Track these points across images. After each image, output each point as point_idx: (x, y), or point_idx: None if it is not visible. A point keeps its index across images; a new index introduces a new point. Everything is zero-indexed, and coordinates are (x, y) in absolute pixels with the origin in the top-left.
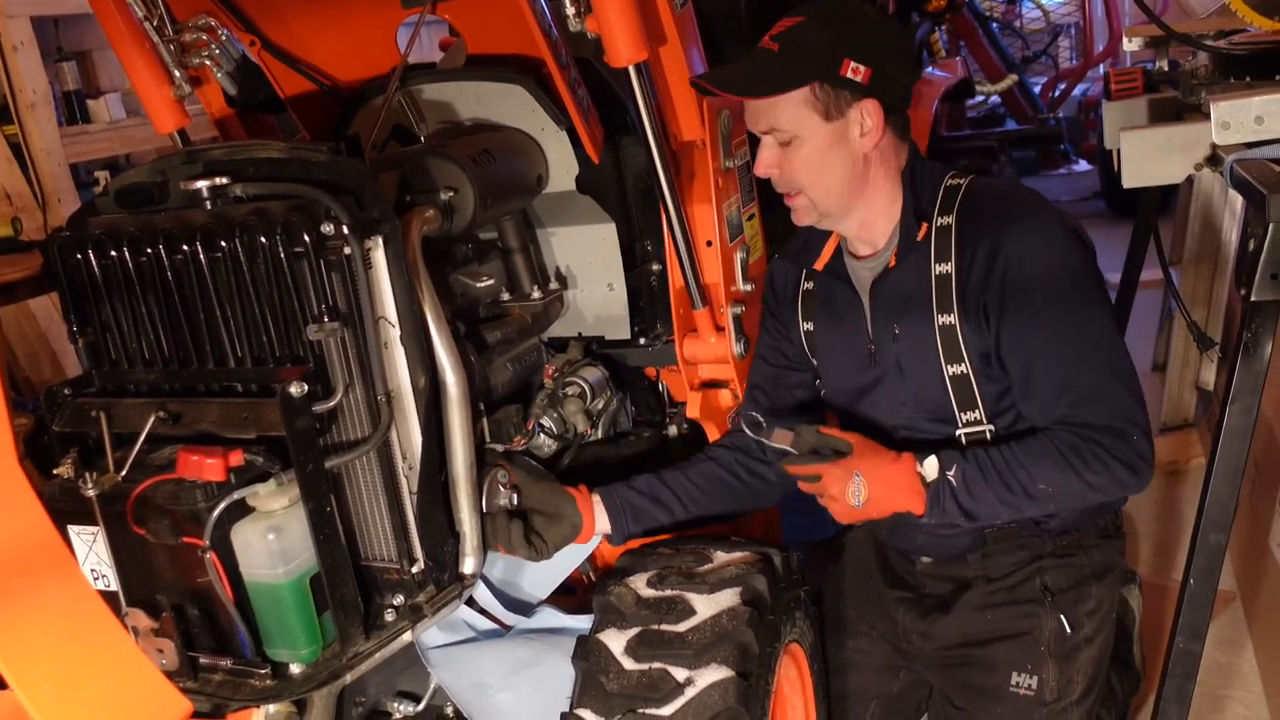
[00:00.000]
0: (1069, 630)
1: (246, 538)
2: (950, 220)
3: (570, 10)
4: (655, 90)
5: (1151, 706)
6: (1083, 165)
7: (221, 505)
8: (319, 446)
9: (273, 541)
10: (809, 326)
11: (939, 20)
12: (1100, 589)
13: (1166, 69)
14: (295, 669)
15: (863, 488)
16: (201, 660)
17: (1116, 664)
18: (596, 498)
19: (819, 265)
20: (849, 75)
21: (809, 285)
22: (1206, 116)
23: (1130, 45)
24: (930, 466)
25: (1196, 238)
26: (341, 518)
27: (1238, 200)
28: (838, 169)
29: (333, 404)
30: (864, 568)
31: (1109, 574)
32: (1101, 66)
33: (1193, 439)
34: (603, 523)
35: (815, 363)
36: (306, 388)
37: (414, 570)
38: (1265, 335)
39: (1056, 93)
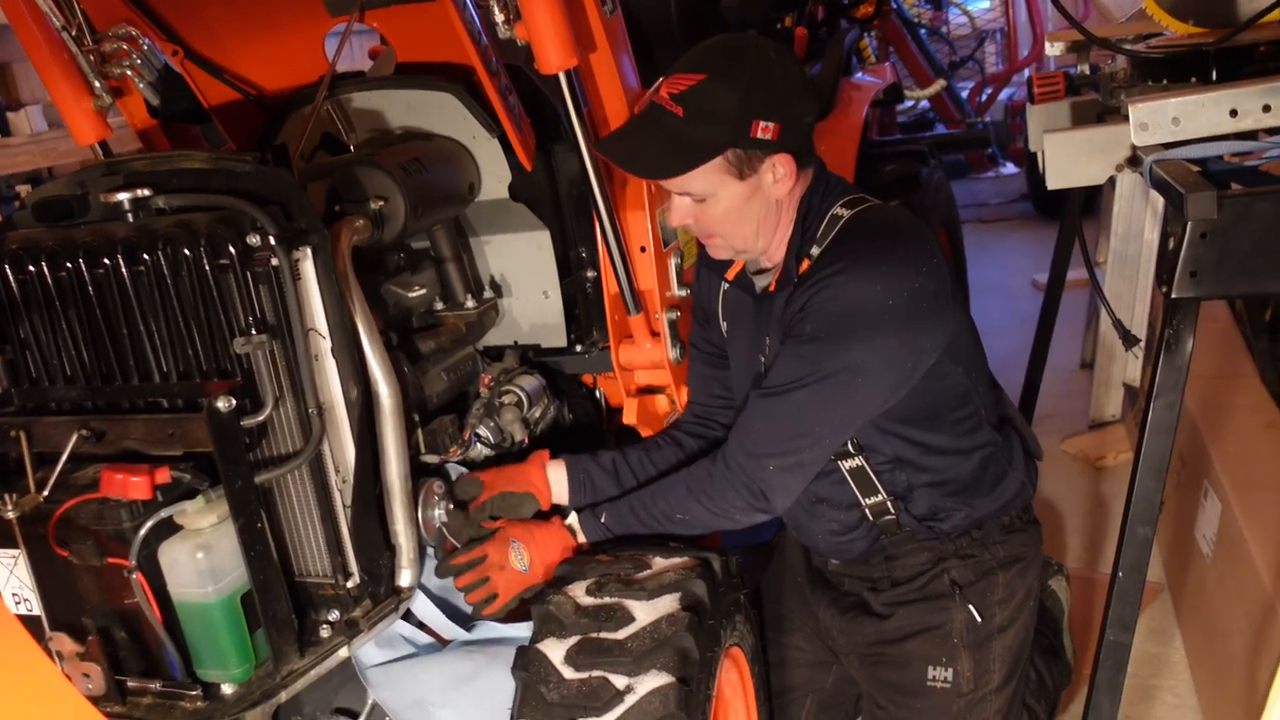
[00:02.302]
0: (979, 619)
1: (174, 557)
2: (818, 253)
3: (499, 17)
4: (586, 97)
5: (1083, 697)
6: (1010, 168)
7: (148, 524)
8: (248, 462)
9: (201, 560)
10: (726, 327)
11: (868, 26)
12: (1008, 577)
13: (1088, 73)
14: (227, 689)
15: (523, 551)
16: (129, 684)
17: (1047, 655)
18: (560, 466)
19: (730, 275)
20: (760, 135)
21: (726, 289)
22: (1126, 119)
23: (1053, 50)
24: (573, 522)
25: (1119, 238)
26: (273, 533)
27: (1158, 200)
28: (753, 218)
29: (262, 418)
30: (793, 567)
31: (1017, 564)
32: (1026, 71)
33: (1120, 434)
34: (560, 490)
35: (730, 358)
36: (234, 402)
37: (349, 585)
38: (1186, 332)
39: (984, 97)
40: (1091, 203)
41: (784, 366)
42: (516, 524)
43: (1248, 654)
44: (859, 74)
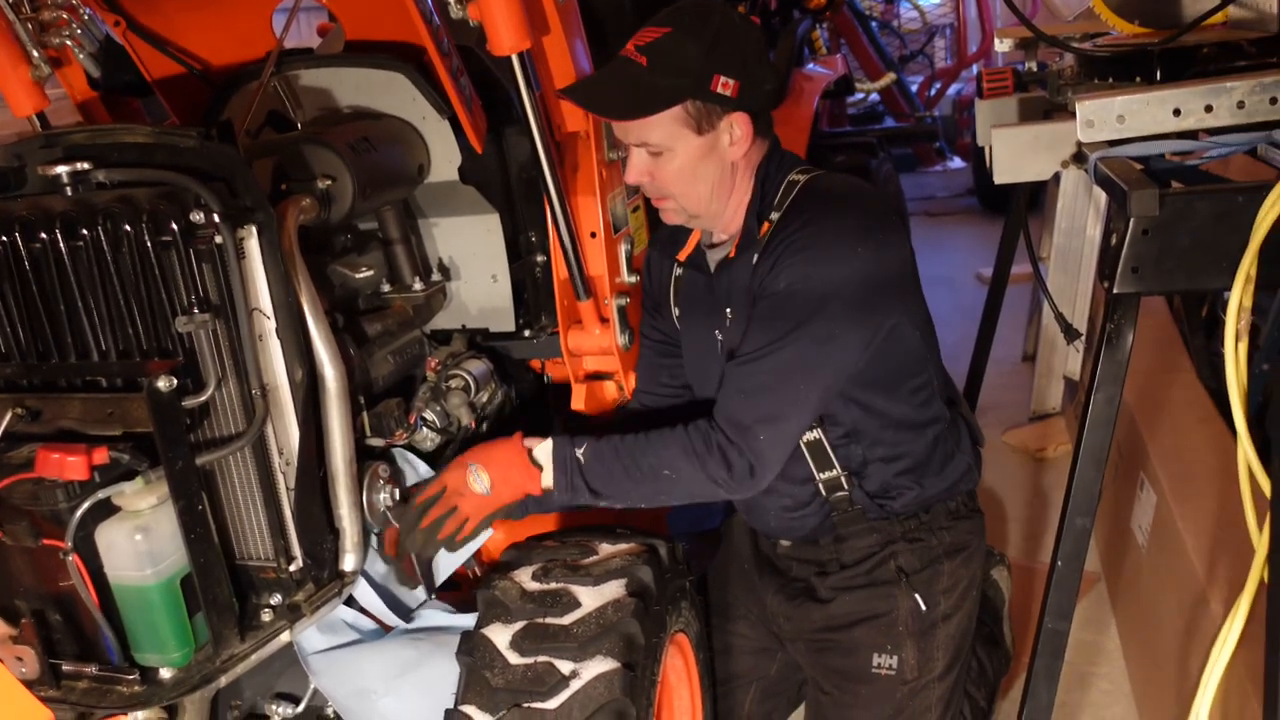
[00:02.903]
0: (924, 608)
1: (112, 539)
2: (777, 217)
3: None
4: (539, 80)
5: (1022, 685)
6: (957, 162)
7: (84, 505)
8: (189, 443)
9: (140, 542)
10: (678, 312)
11: (820, 17)
12: (953, 566)
13: (1036, 69)
14: (165, 674)
15: (481, 473)
16: (65, 668)
17: (987, 643)
18: (546, 450)
19: (682, 256)
20: (719, 90)
21: (679, 272)
22: (1073, 115)
23: (1002, 46)
24: (543, 447)
25: (1062, 233)
26: (214, 515)
27: (1101, 197)
28: (708, 178)
29: (204, 399)
30: (740, 553)
31: (962, 552)
32: (975, 67)
33: (1060, 426)
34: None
35: (682, 342)
36: (175, 382)
37: (291, 568)
38: (1127, 326)
39: (933, 91)
40: (1036, 198)
41: (761, 328)
42: (475, 448)
43: (1180, 642)
44: (811, 64)
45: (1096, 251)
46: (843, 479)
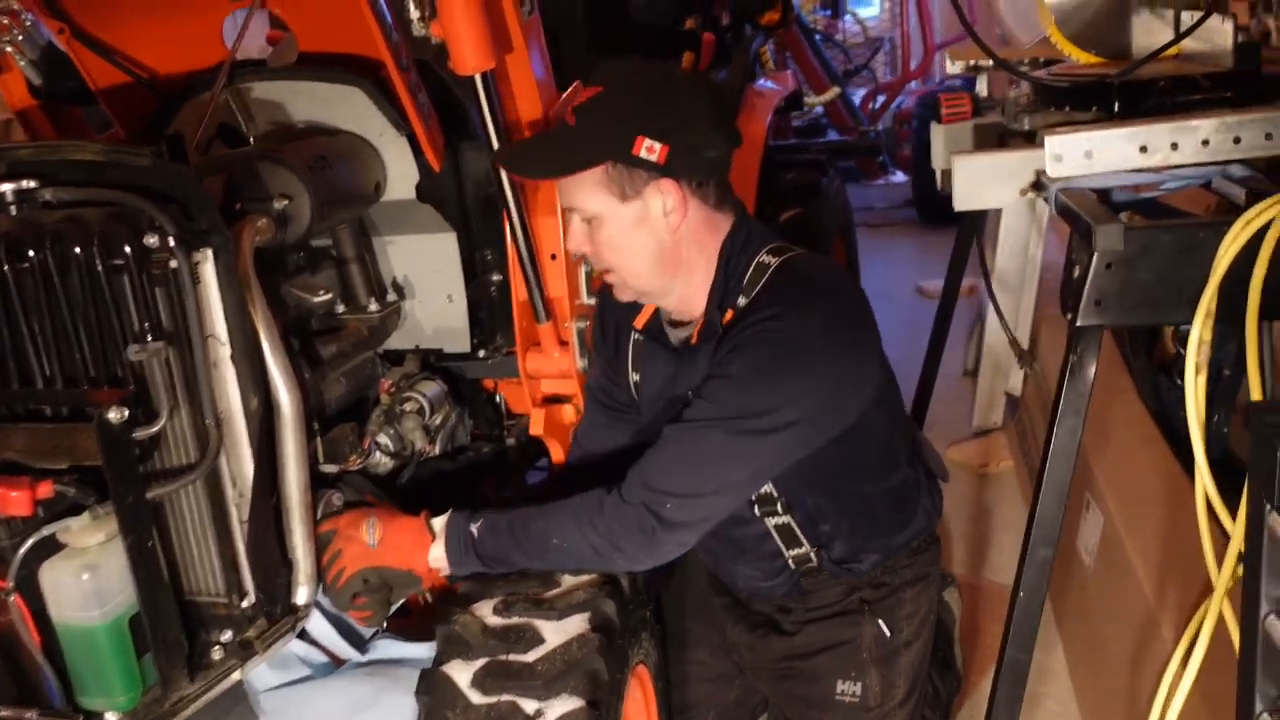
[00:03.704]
0: (889, 634)
1: (57, 577)
2: (744, 303)
3: (414, 14)
4: (500, 99)
5: (970, 704)
6: (900, 176)
7: (28, 543)
8: (140, 476)
9: (87, 581)
10: (636, 378)
11: (772, 33)
12: (914, 593)
13: (985, 94)
14: (111, 718)
15: (376, 527)
16: (3, 713)
17: (940, 666)
18: (441, 521)
19: (639, 324)
20: (643, 154)
21: (638, 338)
22: (1029, 141)
23: (953, 68)
24: (440, 519)
25: (1005, 253)
26: (165, 551)
27: (1043, 218)
28: (643, 250)
29: (155, 430)
30: (696, 582)
31: (922, 580)
32: (914, 81)
33: (1002, 442)
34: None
35: (641, 414)
36: (126, 412)
37: (244, 604)
38: (1089, 358)
39: (876, 105)
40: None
41: (703, 404)
42: (380, 506)
43: (1128, 663)
44: (762, 80)
45: (1038, 271)
46: (811, 554)
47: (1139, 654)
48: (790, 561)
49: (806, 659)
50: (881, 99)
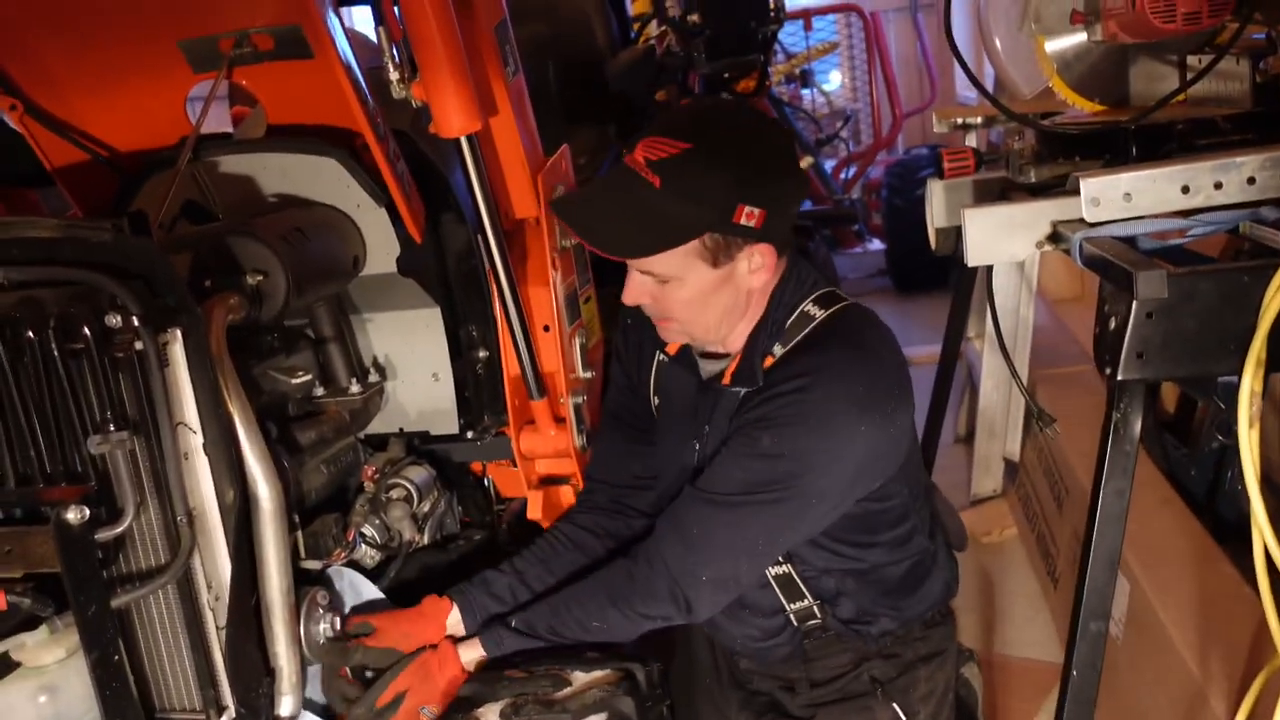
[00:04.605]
0: (904, 718)
1: (11, 702)
2: (781, 353)
3: (394, 76)
4: (485, 163)
5: None
6: (877, 244)
7: None
8: (104, 582)
9: (45, 705)
10: (657, 401)
11: (747, 101)
12: (929, 671)
13: (978, 149)
14: None
15: (432, 710)
16: None
17: None
18: (454, 611)
19: (671, 350)
20: (744, 221)
21: (662, 359)
22: (1034, 194)
23: (940, 128)
24: (472, 651)
25: (999, 315)
26: (132, 665)
27: (1033, 277)
28: (719, 306)
29: (120, 530)
30: (701, 665)
31: (937, 657)
32: (884, 151)
33: (1002, 510)
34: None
35: (656, 437)
36: (87, 511)
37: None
38: (1134, 414)
39: (848, 174)
40: (949, 277)
41: (732, 473)
42: (413, 673)
43: None
44: None
45: (1030, 332)
46: (815, 608)
47: None
48: (792, 617)
49: None
50: (854, 168)
